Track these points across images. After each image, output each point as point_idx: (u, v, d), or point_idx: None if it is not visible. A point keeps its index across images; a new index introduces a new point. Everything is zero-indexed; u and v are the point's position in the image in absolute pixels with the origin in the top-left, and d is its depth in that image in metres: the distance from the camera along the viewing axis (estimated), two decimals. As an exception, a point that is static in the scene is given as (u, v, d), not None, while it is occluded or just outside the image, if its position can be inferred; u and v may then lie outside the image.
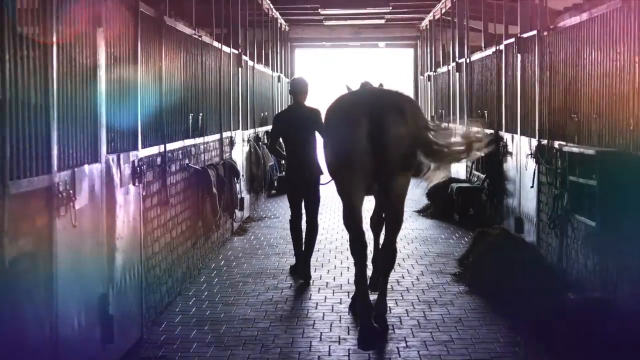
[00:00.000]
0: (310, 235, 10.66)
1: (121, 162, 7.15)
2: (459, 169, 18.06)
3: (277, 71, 23.42)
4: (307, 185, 10.54)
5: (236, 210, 13.39)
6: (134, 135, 7.71)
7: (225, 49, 13.58)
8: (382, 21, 25.65)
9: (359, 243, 8.06)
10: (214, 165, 11.61)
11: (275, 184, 20.01)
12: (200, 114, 11.23)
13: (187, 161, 10.23)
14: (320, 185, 10.64)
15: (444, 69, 21.51)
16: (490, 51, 14.33)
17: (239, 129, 15.04)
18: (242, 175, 15.04)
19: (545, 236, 10.49)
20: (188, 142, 10.35)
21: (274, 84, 22.13)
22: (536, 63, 10.96)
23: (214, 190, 11.01)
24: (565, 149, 8.99)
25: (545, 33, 10.39)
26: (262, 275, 10.82)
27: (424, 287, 10.07)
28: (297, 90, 10.71)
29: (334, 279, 10.58)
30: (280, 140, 11.30)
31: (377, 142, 7.58)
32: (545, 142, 10.40)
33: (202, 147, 11.30)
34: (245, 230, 14.67)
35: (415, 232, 14.29)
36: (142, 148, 7.91)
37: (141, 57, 7.93)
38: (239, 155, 14.90)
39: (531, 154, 11.02)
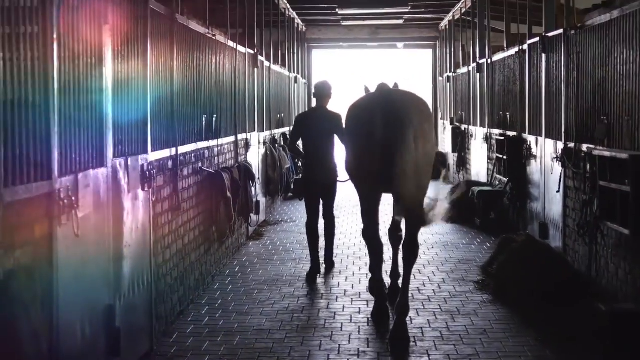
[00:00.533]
0: (329, 229, 11.13)
1: (129, 166, 6.80)
2: (479, 172, 17.65)
3: (294, 72, 23.08)
4: (323, 186, 10.85)
5: (251, 215, 13.04)
6: (144, 138, 7.36)
7: (241, 49, 13.23)
8: (401, 21, 25.26)
9: (375, 241, 8.72)
10: (228, 168, 11.25)
11: (292, 187, 19.65)
12: (215, 116, 10.89)
13: (200, 164, 9.88)
14: (339, 184, 10.97)
15: (464, 69, 21.11)
16: (513, 51, 13.92)
17: (254, 131, 14.69)
18: (258, 178, 14.69)
19: (572, 243, 10.08)
20: (201, 144, 10.00)
21: (290, 85, 21.80)
22: (562, 63, 10.55)
23: (228, 194, 10.66)
24: (596, 152, 8.58)
25: (573, 32, 9.98)
26: (278, 282, 10.46)
27: (446, 295, 9.68)
28: (321, 93, 10.98)
29: (352, 287, 10.20)
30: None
31: (390, 150, 7.74)
32: (572, 145, 9.99)
33: (216, 149, 10.95)
34: (260, 234, 14.31)
35: (435, 237, 13.89)
36: (152, 151, 7.56)
37: (151, 56, 7.58)
38: (255, 157, 14.55)
39: (557, 157, 10.61)
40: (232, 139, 12.29)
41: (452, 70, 23.63)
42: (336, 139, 10.65)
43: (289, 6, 21.80)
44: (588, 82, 9.45)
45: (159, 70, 7.99)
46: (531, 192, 12.59)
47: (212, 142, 10.69)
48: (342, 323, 8.55)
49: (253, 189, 13.07)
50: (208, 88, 10.53)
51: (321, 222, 11.04)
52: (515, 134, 13.64)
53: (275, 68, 18.53)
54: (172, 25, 8.50)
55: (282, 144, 18.99)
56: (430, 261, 11.81)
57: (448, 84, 24.63)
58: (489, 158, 16.37)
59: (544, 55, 11.62)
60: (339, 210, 16.62)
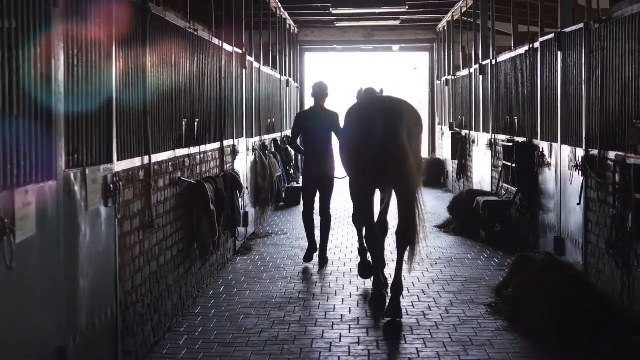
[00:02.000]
0: (324, 225, 11.89)
1: (87, 178, 5.71)
2: (482, 181, 16.59)
3: (285, 75, 22.00)
4: (322, 178, 11.75)
5: (239, 228, 11.95)
6: (107, 145, 6.27)
7: (227, 47, 12.15)
8: (397, 22, 24.19)
9: (373, 229, 9.64)
10: (212, 178, 10.17)
11: (284, 196, 18.58)
12: (197, 120, 9.81)
13: (179, 174, 8.80)
14: (335, 179, 11.85)
15: (464, 72, 20.04)
16: (522, 50, 12.86)
17: (242, 136, 13.61)
18: (246, 188, 13.61)
19: (595, 262, 9.01)
20: (181, 152, 8.92)
21: (282, 89, 20.71)
22: (583, 61, 9.50)
23: (212, 207, 9.57)
24: (631, 160, 7.51)
25: (597, 25, 8.91)
26: (267, 306, 9.38)
27: (455, 321, 8.61)
28: (319, 93, 11.90)
29: (350, 311, 9.13)
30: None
31: (388, 147, 8.70)
32: (595, 152, 8.93)
33: (198, 157, 9.87)
34: (249, 248, 13.22)
35: (438, 251, 12.82)
36: (118, 160, 6.47)
37: (118, 49, 6.51)
38: (243, 165, 13.46)
39: (577, 165, 9.56)
40: (217, 145, 11.21)
41: (452, 73, 22.56)
42: (333, 135, 11.59)
43: (280, 5, 20.73)
44: (615, 81, 8.38)
45: (128, 66, 6.91)
46: (544, 203, 11.53)
47: (194, 149, 9.61)
48: (339, 356, 7.47)
49: (240, 199, 12.00)
50: (189, 89, 9.46)
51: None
52: (525, 139, 12.57)
53: (266, 70, 17.45)
54: (145, 16, 7.42)
55: (273, 150, 17.92)
56: (434, 279, 10.74)
57: (447, 87, 23.57)
58: (494, 166, 15.31)
59: (559, 54, 10.56)
60: (334, 221, 15.55)
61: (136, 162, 7.05)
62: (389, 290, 9.44)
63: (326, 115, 11.72)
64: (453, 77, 22.22)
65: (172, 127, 8.58)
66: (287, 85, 22.10)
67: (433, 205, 19.06)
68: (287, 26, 23.29)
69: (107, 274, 6.22)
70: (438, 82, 26.45)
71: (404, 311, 8.96)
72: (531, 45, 12.20)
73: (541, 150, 11.60)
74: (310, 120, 11.86)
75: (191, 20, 9.69)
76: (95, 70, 5.97)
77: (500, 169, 14.12)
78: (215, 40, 11.19)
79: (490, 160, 15.70)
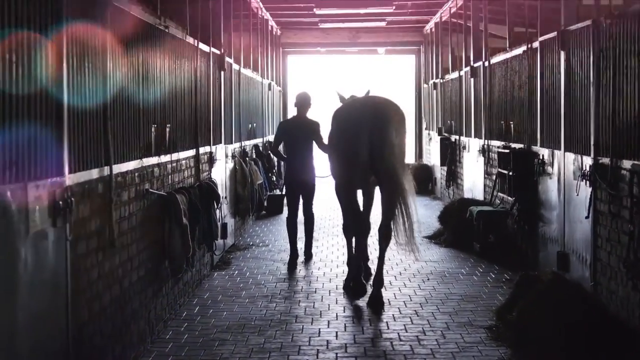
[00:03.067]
0: (308, 224, 12.49)
1: (29, 195, 4.85)
2: (474, 188, 15.78)
3: (267, 78, 21.14)
4: (304, 183, 12.18)
5: (216, 241, 11.08)
6: (56, 156, 5.41)
7: (204, 47, 11.30)
8: (383, 24, 23.38)
9: (358, 222, 10.05)
10: (186, 188, 9.32)
11: (265, 204, 17.73)
12: (168, 126, 8.95)
13: (147, 186, 7.94)
14: (317, 178, 12.35)
15: (453, 75, 19.21)
16: (518, 51, 12.05)
17: (221, 142, 12.76)
18: (225, 197, 12.75)
19: (606, 281, 8.19)
20: (149, 161, 8.05)
21: (264, 92, 19.84)
22: (591, 61, 8.69)
23: (185, 220, 8.71)
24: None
25: (609, 21, 8.09)
26: (245, 330, 8.52)
27: (453, 348, 7.78)
28: (302, 103, 12.34)
29: (336, 336, 8.29)
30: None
31: (375, 147, 9.32)
32: (606, 160, 8.11)
33: (169, 166, 9.00)
34: (228, 262, 12.36)
35: (429, 265, 12.00)
36: (70, 173, 5.61)
37: (69, 46, 5.65)
38: (221, 174, 12.60)
39: (584, 175, 8.75)
40: (191, 152, 10.35)
41: (440, 76, 21.74)
42: (314, 143, 12.08)
43: (261, 6, 19.88)
44: (630, 83, 7.57)
45: (84, 65, 6.05)
46: (545, 214, 10.72)
47: (165, 158, 8.74)
48: (325, 393, 6.63)
49: (218, 210, 11.14)
50: (159, 92, 8.58)
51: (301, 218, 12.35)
52: (522, 146, 11.76)
53: (247, 72, 16.59)
54: (105, 9, 6.56)
55: (254, 156, 17.06)
56: (427, 298, 9.92)
57: (434, 91, 22.75)
58: (487, 173, 14.51)
59: (562, 53, 9.76)
60: (318, 231, 14.71)
61: (94, 173, 6.18)
62: (370, 282, 10.07)
63: (308, 124, 12.19)
64: (441, 80, 21.40)
65: (139, 134, 7.71)
66: (269, 88, 21.24)
67: (421, 213, 18.21)
68: (269, 27, 22.44)
69: (55, 304, 5.35)
70: (425, 85, 25.63)
71: (395, 335, 8.17)
72: (529, 45, 11.39)
73: (541, 157, 10.79)
74: (293, 128, 12.29)
75: (162, 16, 8.83)
76: (40, 68, 5.11)
77: (494, 176, 13.32)
78: (190, 40, 10.34)
79: (482, 167, 14.90)
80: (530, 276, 8.29)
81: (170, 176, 9.03)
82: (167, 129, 8.89)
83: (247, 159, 15.36)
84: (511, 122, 12.68)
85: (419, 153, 26.65)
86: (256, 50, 19.68)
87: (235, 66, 14.70)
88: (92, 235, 6.16)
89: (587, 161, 8.73)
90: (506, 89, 13.20)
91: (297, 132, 12.15)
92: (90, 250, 6.11)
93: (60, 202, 5.33)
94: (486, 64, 14.73)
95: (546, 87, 10.67)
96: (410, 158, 26.41)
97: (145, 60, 7.98)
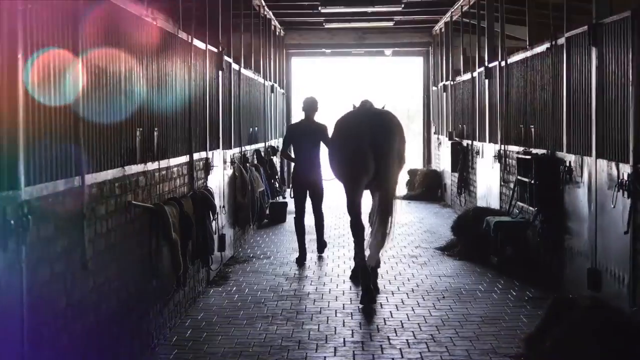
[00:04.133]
0: (318, 222, 13.05)
1: (-32, 214, 3.93)
2: (489, 196, 14.84)
3: (270, 80, 20.21)
4: (312, 184, 12.72)
5: (212, 255, 10.16)
6: (10, 164, 4.49)
7: (199, 44, 10.39)
8: (391, 24, 22.43)
9: (358, 225, 10.42)
10: (176, 199, 8.40)
11: (268, 212, 16.82)
12: (156, 130, 8.03)
13: (130, 197, 7.01)
14: (324, 183, 12.80)
15: (465, 76, 18.26)
16: (541, 48, 11.10)
17: (218, 148, 11.85)
18: (223, 207, 11.84)
19: (649, 305, 7.24)
20: (133, 169, 7.13)
21: (266, 94, 18.92)
22: (630, 57, 7.74)
23: (174, 235, 7.80)
24: None
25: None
26: (242, 358, 7.60)
27: (477, 382, 6.84)
28: (309, 108, 12.85)
29: (344, 365, 7.36)
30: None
31: (376, 153, 9.96)
32: (649, 169, 7.17)
33: (157, 175, 8.08)
34: (225, 277, 11.44)
35: (444, 281, 11.06)
36: (27, 186, 4.68)
37: (26, 34, 4.72)
38: (219, 181, 11.68)
39: (621, 184, 7.81)
40: (184, 159, 9.43)
41: (450, 78, 20.78)
42: (322, 145, 12.50)
43: (263, 4, 18.97)
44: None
45: (48, 59, 5.12)
46: (572, 227, 9.77)
47: (152, 165, 7.82)
48: None
49: (215, 222, 10.23)
50: (146, 92, 7.67)
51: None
52: (545, 152, 10.82)
53: (248, 73, 15.68)
54: (77, -6, 5.64)
55: (256, 162, 16.15)
56: (444, 319, 8.99)
57: (444, 93, 21.80)
58: (504, 180, 13.56)
59: (594, 50, 8.82)
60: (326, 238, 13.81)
61: (60, 185, 5.25)
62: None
63: (315, 127, 12.71)
64: (452, 82, 20.44)
65: (120, 139, 6.79)
66: (272, 91, 20.33)
67: (432, 222, 17.36)
68: (272, 27, 21.52)
69: (5, 343, 4.43)
70: (434, 88, 24.68)
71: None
72: (554, 42, 10.45)
73: (568, 164, 9.84)
74: (301, 132, 12.79)
75: (150, 8, 7.91)
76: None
77: (513, 184, 12.38)
78: (183, 35, 9.42)
79: (498, 174, 13.95)
80: (565, 300, 7.31)
81: (158, 186, 8.11)
82: (155, 133, 7.97)
83: (247, 165, 14.45)
84: (532, 126, 11.74)
85: (428, 158, 25.72)
86: (258, 51, 18.76)
87: (235, 66, 13.79)
88: (58, 257, 5.23)
89: (625, 169, 7.78)
90: (526, 90, 12.26)
91: (305, 135, 12.66)
92: (55, 275, 5.18)
93: (12, 222, 4.40)
94: (503, 63, 13.78)
95: (573, 88, 9.72)
96: (418, 163, 25.58)
97: (128, 57, 7.05)
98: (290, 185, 13.61)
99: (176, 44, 9.08)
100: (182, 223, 8.20)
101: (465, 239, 13.05)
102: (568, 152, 9.91)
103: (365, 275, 9.90)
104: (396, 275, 11.56)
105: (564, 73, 10.00)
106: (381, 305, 9.67)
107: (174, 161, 8.86)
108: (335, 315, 9.24)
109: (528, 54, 11.96)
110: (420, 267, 12.17)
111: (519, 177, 11.82)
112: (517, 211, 12.26)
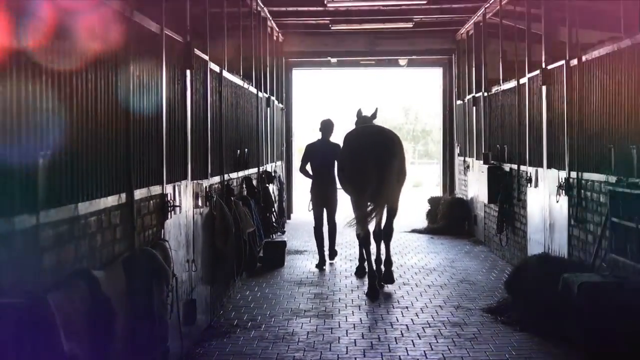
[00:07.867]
0: (331, 231, 14.33)
1: None
2: (550, 240, 11.26)
3: (266, 92, 16.64)
4: (328, 197, 14.11)
5: (167, 344, 6.61)
6: None
7: (147, 24, 6.88)
8: (410, 25, 18.90)
9: (365, 234, 11.89)
10: (85, 272, 4.86)
11: (261, 254, 13.33)
12: (43, 153, 4.50)
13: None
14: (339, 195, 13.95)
15: (508, 85, 14.67)
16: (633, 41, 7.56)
17: (186, 178, 8.33)
18: (192, 262, 8.30)
19: None
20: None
21: (260, 108, 15.31)
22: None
23: (65, 347, 4.25)
24: None
25: None
26: None
27: None
28: (326, 129, 14.29)
29: None
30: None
31: (380, 170, 11.34)
32: None
33: (45, 234, 4.52)
34: (193, 366, 7.90)
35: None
36: None
37: None
38: (183, 228, 8.14)
39: None
40: (112, 200, 5.88)
41: (483, 89, 17.12)
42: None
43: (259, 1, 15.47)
44: None
45: None
46: None
47: (30, 219, 4.28)
48: None
49: (170, 293, 6.70)
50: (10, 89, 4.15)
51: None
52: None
53: (234, 79, 12.14)
54: None
55: (245, 194, 12.62)
56: None
57: (474, 107, 18.18)
58: (577, 220, 10.00)
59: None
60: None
61: None
62: (382, 266, 11.98)
63: (331, 146, 14.00)
64: (486, 94, 16.81)
65: None
66: (268, 104, 16.73)
67: (466, 267, 13.84)
68: (268, 29, 17.98)
69: None
70: (459, 102, 21.06)
71: None
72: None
73: None
74: (319, 151, 14.09)
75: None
76: None
77: (598, 227, 8.83)
78: (114, 3, 5.91)
79: (566, 210, 10.40)
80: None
81: (46, 254, 4.56)
82: (40, 162, 4.45)
83: (233, 198, 10.89)
84: (633, 147, 8.18)
85: (451, 185, 22.05)
86: (249, 54, 15.08)
87: (213, 66, 10.27)
88: None
89: None
90: (614, 97, 8.72)
91: (323, 154, 13.99)
92: None
93: None
94: (571, 63, 10.22)
95: None
96: (434, 190, 21.92)
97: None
98: (310, 199, 14.28)
99: (95, 14, 5.57)
100: (93, 320, 4.66)
101: (527, 301, 9.47)
102: None
103: (372, 274, 11.53)
104: (440, 360, 8.05)
105: None
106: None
107: (91, 206, 5.32)
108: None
109: (611, 48, 8.40)
110: (471, 344, 8.63)
111: (613, 219, 8.27)
112: (605, 265, 8.71)
